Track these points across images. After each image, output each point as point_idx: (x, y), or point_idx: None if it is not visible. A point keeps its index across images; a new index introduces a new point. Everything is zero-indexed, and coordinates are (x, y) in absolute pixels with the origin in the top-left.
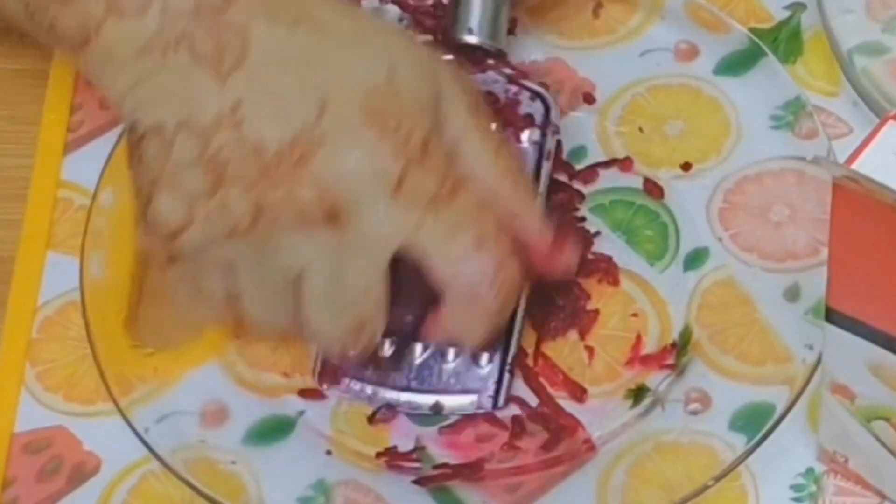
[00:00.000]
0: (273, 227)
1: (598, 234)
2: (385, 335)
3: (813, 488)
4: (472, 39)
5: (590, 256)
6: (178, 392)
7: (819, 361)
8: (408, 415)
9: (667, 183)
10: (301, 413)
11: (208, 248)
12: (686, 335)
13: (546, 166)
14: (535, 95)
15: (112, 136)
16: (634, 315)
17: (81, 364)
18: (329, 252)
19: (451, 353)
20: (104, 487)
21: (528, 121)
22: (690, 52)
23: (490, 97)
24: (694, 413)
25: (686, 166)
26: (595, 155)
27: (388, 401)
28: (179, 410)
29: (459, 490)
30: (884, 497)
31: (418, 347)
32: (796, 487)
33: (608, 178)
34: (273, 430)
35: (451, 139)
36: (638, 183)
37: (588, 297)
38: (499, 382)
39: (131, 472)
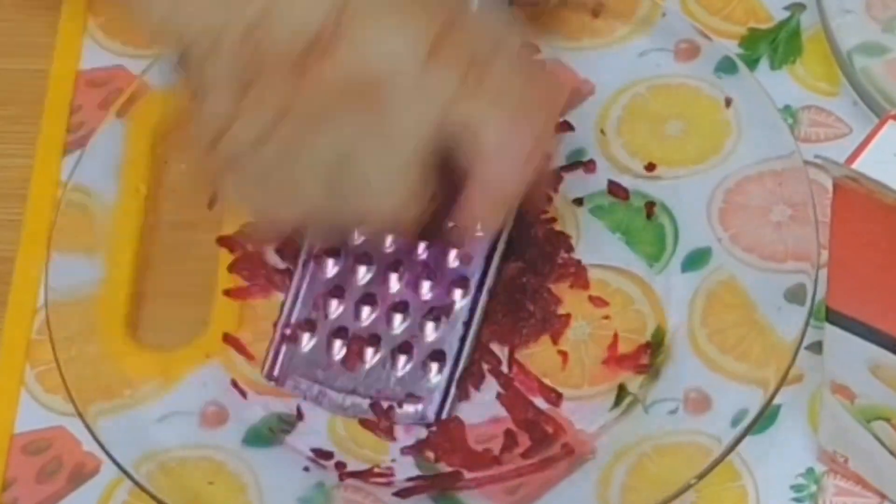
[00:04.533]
0: (311, 115)
1: (570, 237)
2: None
3: (813, 488)
4: None
5: (559, 261)
6: (178, 392)
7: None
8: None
9: (666, 183)
10: (300, 416)
11: (254, 145)
12: (659, 335)
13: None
14: None
15: (112, 135)
16: (606, 318)
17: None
18: (368, 134)
19: (401, 359)
20: (104, 488)
21: None
22: (690, 52)
23: None
24: (694, 413)
25: (650, 167)
26: (594, 155)
27: (333, 402)
28: (179, 410)
29: (458, 491)
30: (884, 497)
31: (369, 351)
32: (796, 487)
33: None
34: (273, 431)
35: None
36: (636, 184)
37: (559, 301)
38: (445, 394)
39: None
